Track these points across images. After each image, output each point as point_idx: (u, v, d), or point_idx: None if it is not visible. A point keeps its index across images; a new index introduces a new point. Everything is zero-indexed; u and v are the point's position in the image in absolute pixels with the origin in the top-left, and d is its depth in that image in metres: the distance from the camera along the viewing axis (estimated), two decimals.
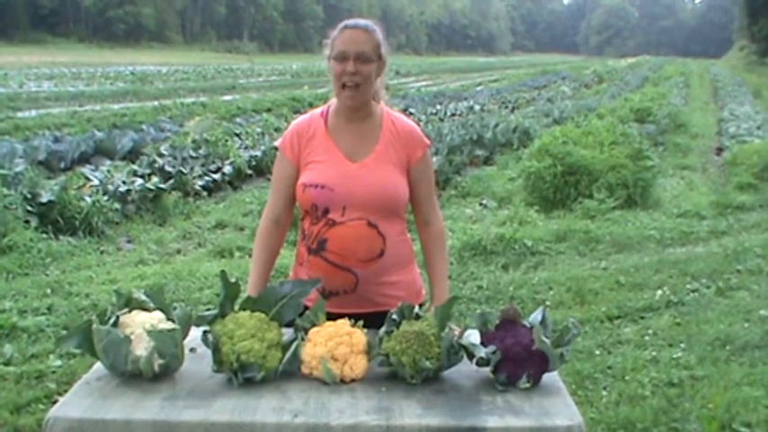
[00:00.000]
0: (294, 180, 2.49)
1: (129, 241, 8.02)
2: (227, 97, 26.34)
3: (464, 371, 2.11)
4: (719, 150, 15.44)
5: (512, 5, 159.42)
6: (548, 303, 5.64)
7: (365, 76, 2.38)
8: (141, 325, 2.04)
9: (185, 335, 2.11)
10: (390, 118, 2.53)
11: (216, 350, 2.04)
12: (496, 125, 16.06)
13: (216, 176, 10.95)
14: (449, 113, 20.78)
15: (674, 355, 4.73)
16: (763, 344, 4.90)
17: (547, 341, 2.04)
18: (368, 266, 2.43)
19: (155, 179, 9.47)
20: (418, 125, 2.63)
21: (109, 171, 10.20)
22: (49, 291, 5.87)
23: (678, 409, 3.95)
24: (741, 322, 5.32)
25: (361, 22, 2.41)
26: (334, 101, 2.52)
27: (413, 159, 2.50)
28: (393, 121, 2.52)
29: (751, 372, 4.45)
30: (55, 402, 2.71)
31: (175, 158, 11.10)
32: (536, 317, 2.15)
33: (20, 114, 18.98)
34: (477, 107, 22.83)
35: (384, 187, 2.41)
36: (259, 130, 15.82)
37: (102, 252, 7.45)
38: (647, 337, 5.09)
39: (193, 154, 11.58)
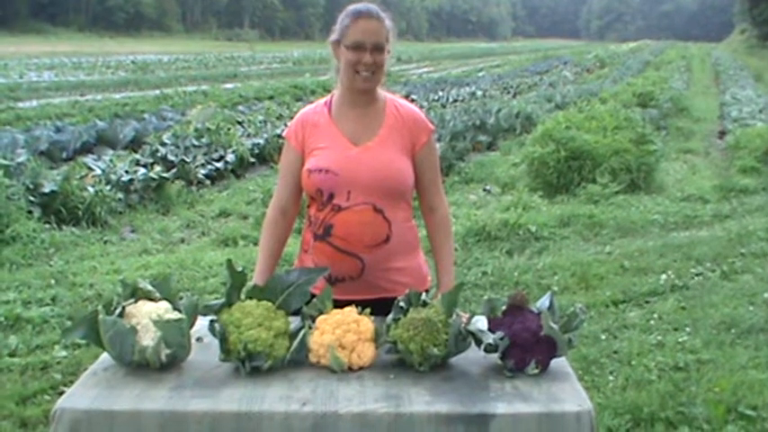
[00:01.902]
0: (300, 168, 2.48)
1: (132, 231, 8.02)
2: (229, 85, 26.31)
3: (472, 357, 2.10)
4: (722, 134, 15.37)
5: None
6: (553, 288, 5.63)
7: (380, 65, 2.40)
8: (147, 315, 2.03)
9: (192, 324, 2.10)
10: (394, 103, 2.52)
11: (223, 339, 2.03)
12: (499, 111, 16.00)
13: (219, 165, 10.92)
14: (451, 99, 20.71)
15: (680, 339, 4.73)
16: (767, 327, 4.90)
17: (555, 327, 2.03)
18: (374, 252, 2.42)
19: (157, 168, 9.45)
20: (421, 111, 2.62)
21: (111, 161, 10.17)
22: (52, 281, 5.87)
23: (684, 392, 3.95)
24: (746, 305, 5.32)
25: (373, 8, 2.41)
26: (337, 90, 2.51)
27: (417, 145, 2.49)
28: (397, 107, 2.51)
29: (756, 355, 4.46)
30: (61, 393, 2.72)
31: (178, 147, 11.08)
32: (543, 302, 2.14)
33: (21, 104, 18.96)
34: (479, 93, 22.76)
35: (388, 170, 2.41)
36: (261, 117, 15.78)
37: (105, 242, 7.45)
38: (652, 322, 5.09)
39: (196, 143, 11.55)
